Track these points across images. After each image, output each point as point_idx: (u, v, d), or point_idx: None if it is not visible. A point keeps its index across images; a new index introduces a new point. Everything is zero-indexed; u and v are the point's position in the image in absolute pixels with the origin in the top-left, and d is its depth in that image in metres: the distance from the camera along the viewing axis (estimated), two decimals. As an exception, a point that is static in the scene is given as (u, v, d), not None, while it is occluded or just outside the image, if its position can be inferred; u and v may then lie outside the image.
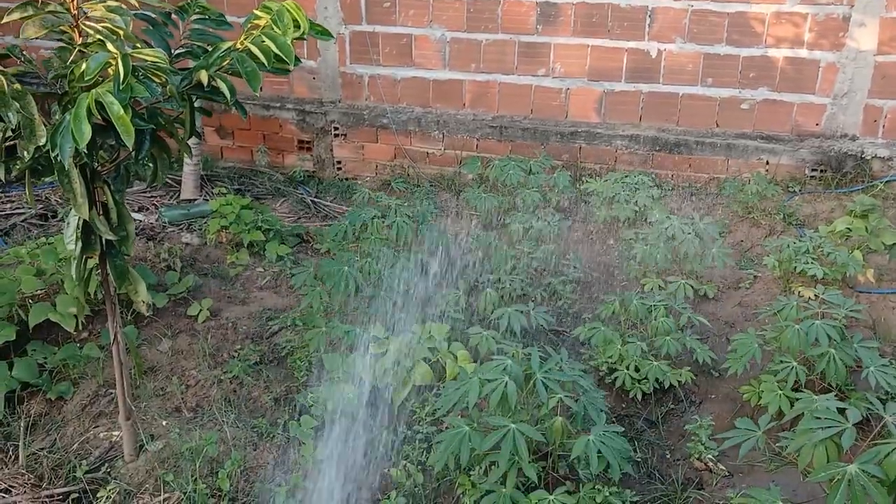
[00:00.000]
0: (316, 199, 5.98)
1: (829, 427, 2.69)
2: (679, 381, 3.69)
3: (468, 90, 6.07)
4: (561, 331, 4.29)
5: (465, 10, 5.83)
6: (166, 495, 3.15)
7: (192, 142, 5.50)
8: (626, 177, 5.48)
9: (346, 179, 6.38)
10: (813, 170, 5.53)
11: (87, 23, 2.57)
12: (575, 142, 5.88)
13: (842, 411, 2.75)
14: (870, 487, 2.44)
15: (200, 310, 4.33)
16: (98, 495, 3.20)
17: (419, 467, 3.28)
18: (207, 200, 5.53)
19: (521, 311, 4.02)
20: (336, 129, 6.30)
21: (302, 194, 6.03)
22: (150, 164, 2.86)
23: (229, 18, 3.19)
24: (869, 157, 5.43)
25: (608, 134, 5.81)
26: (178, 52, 2.88)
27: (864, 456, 2.52)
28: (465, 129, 6.06)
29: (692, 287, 4.36)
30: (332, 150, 6.37)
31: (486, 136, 6.04)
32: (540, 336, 4.12)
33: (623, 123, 5.86)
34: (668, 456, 3.45)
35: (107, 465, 3.40)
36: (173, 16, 2.97)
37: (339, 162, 6.40)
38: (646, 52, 5.65)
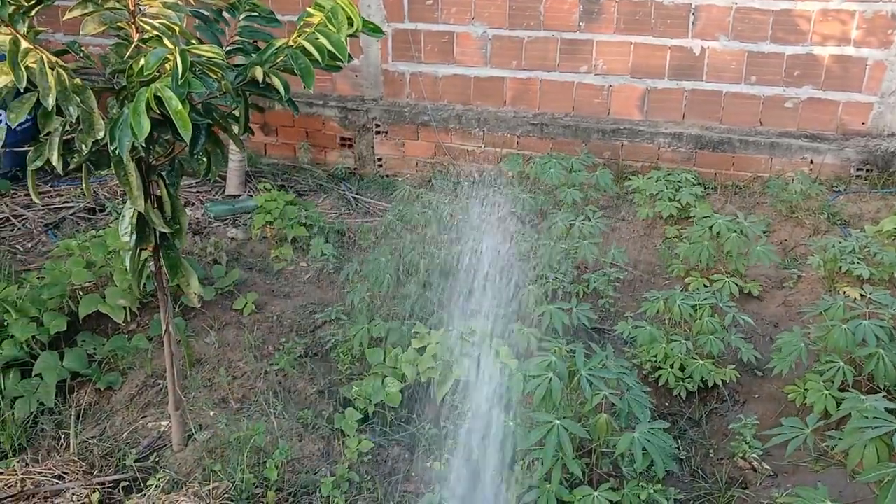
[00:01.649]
0: (357, 196, 6.03)
1: (879, 427, 2.66)
2: (723, 381, 3.68)
3: (509, 87, 6.08)
4: (603, 329, 4.29)
5: (507, 7, 5.84)
6: (214, 484, 3.21)
7: (242, 138, 5.57)
8: (668, 175, 5.45)
9: (387, 176, 6.42)
10: (858, 169, 5.46)
11: (144, 19, 2.63)
12: (617, 139, 5.86)
13: (892, 412, 2.73)
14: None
15: (246, 303, 4.40)
16: (147, 483, 3.26)
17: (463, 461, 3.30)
18: (252, 196, 5.61)
19: (563, 309, 4.02)
20: (377, 126, 6.34)
21: (344, 191, 6.09)
22: (204, 159, 2.92)
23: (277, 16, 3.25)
24: (916, 157, 5.35)
25: (650, 132, 5.78)
26: (228, 48, 2.93)
27: (914, 458, 2.49)
28: (505, 126, 6.07)
29: (737, 286, 4.32)
30: (373, 147, 6.42)
31: (526, 134, 6.04)
32: (581, 334, 4.12)
33: (666, 121, 5.83)
34: (711, 455, 3.44)
35: (155, 454, 3.46)
36: (224, 13, 3.02)
37: (379, 159, 6.45)
38: (689, 50, 5.61)
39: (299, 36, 2.58)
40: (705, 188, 5.46)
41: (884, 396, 3.01)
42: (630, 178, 5.55)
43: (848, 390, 3.37)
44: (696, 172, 5.66)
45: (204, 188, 5.92)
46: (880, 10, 5.19)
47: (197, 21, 2.98)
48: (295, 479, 3.27)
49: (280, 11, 5.57)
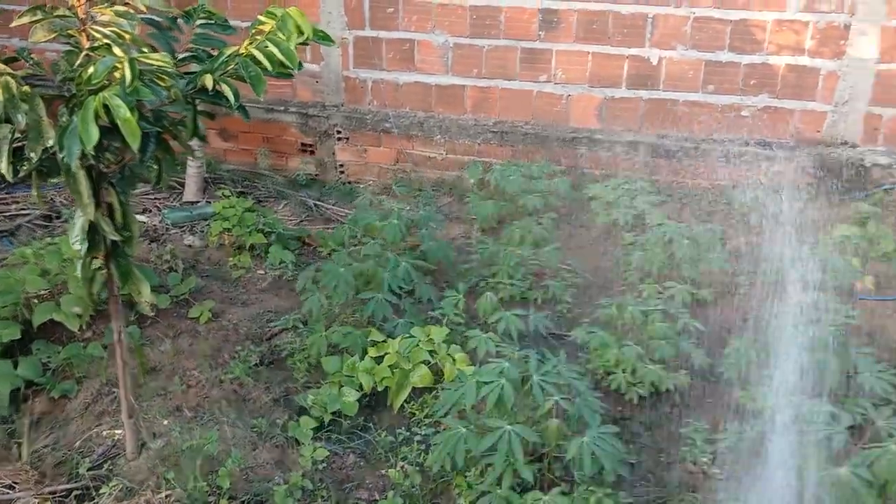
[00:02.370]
0: (318, 203, 6.03)
1: (821, 431, 2.73)
2: (675, 385, 3.73)
3: (470, 95, 6.12)
4: (559, 335, 4.33)
5: (467, 16, 5.88)
6: (167, 492, 3.19)
7: (195, 144, 5.55)
8: (625, 182, 5.51)
9: (349, 183, 6.43)
10: (812, 177, 5.57)
11: (95, 27, 2.62)
12: (576, 147, 5.92)
13: (834, 416, 2.80)
14: (860, 490, 2.49)
15: (202, 311, 4.38)
16: (100, 492, 3.24)
17: (417, 468, 3.32)
18: (210, 203, 5.58)
19: (520, 315, 4.06)
20: (339, 132, 6.35)
21: (304, 197, 6.08)
22: (155, 166, 2.91)
23: (233, 23, 3.25)
24: (869, 165, 5.46)
25: (609, 140, 5.86)
26: (183, 56, 2.93)
27: (854, 460, 2.56)
28: (466, 133, 6.11)
29: (689, 292, 4.40)
30: (334, 153, 6.42)
31: (487, 141, 6.08)
32: (538, 340, 4.16)
33: (623, 130, 5.90)
34: (663, 459, 3.49)
35: (109, 462, 3.44)
36: (179, 20, 3.02)
37: (341, 165, 6.45)
38: (646, 59, 5.69)
39: (250, 44, 2.59)
40: (661, 196, 5.53)
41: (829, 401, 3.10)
42: (588, 186, 5.61)
43: (797, 395, 3.45)
44: (652, 180, 5.73)
45: (162, 195, 5.88)
46: (833, 21, 5.31)
47: (151, 29, 2.97)
48: (248, 487, 3.27)
49: (239, 18, 5.60)
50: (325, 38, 2.66)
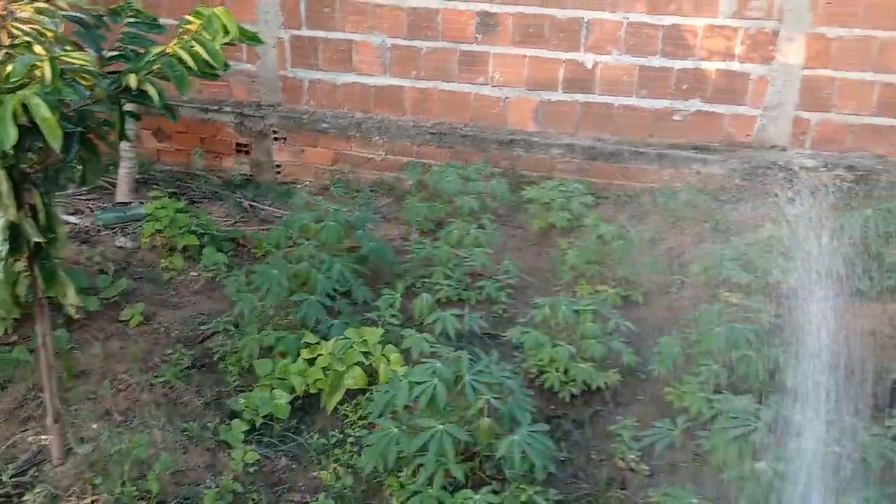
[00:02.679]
0: (254, 203, 5.97)
1: (742, 426, 2.81)
2: (606, 384, 3.80)
3: (409, 97, 6.13)
4: (495, 335, 4.37)
5: (405, 18, 5.90)
6: (94, 497, 3.13)
7: (127, 145, 5.45)
8: (561, 185, 5.59)
9: (285, 183, 6.38)
10: (743, 179, 5.71)
11: (15, 24, 2.56)
12: (513, 150, 5.98)
13: (756, 412, 2.88)
14: (777, 483, 2.57)
15: (133, 314, 4.30)
16: (23, 499, 3.16)
17: (349, 470, 3.32)
18: (143, 204, 5.48)
19: (456, 315, 4.09)
20: (275, 132, 6.30)
21: (239, 198, 6.02)
22: (79, 167, 2.86)
23: (166, 22, 3.21)
24: (796, 168, 5.62)
25: (545, 143, 5.93)
26: (110, 55, 2.88)
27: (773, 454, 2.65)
28: (405, 135, 6.12)
29: (621, 293, 4.48)
30: (270, 153, 6.37)
31: (426, 143, 6.10)
32: (474, 340, 4.19)
33: (560, 133, 5.98)
34: (593, 456, 3.54)
35: (34, 468, 3.35)
36: (106, 18, 2.97)
37: (278, 166, 6.40)
38: (581, 63, 5.78)
39: (176, 44, 2.57)
40: (597, 198, 5.62)
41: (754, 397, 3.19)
42: (525, 188, 5.67)
43: (722, 392, 3.54)
44: (588, 183, 5.81)
45: (93, 196, 5.75)
46: (762, 27, 5.46)
47: (77, 27, 2.92)
48: (178, 491, 3.23)
49: (172, 16, 5.51)
50: (252, 38, 2.65)
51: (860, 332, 4.14)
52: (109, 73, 2.71)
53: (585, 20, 5.67)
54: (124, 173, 5.66)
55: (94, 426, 3.55)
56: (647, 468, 3.40)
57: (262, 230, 5.43)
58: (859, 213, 4.73)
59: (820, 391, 2.96)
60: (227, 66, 2.55)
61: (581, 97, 5.87)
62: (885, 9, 5.22)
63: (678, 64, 5.66)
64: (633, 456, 3.43)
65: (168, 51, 2.55)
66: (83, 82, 2.50)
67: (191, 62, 2.47)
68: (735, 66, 5.60)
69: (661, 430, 3.06)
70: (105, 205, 5.67)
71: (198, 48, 2.47)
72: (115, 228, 5.29)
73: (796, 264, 4.77)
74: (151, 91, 2.52)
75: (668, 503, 2.84)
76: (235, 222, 5.67)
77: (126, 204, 5.63)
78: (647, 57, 5.68)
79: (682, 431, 3.02)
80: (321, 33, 6.07)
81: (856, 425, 2.91)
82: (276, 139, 6.32)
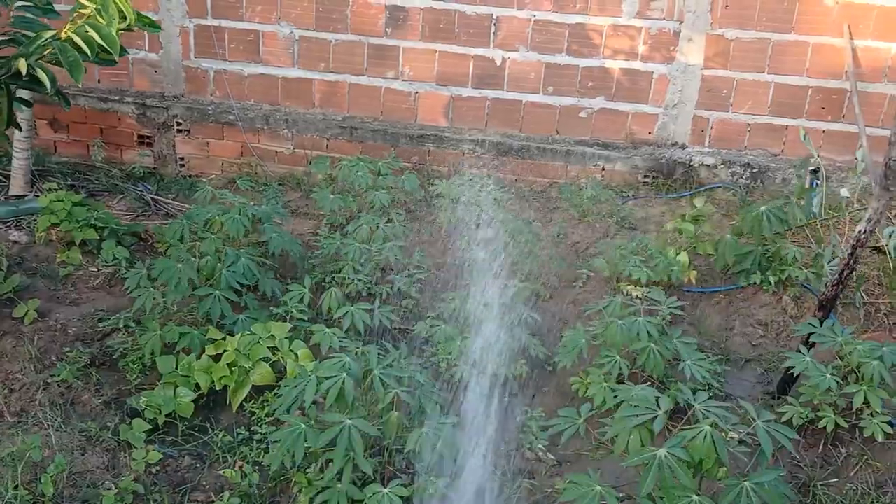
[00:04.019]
0: (156, 197, 5.79)
1: (643, 415, 2.88)
2: (514, 375, 3.84)
3: (318, 89, 6.06)
4: (405, 329, 4.36)
5: (314, 9, 5.81)
6: (-18, 504, 2.99)
7: (21, 135, 5.21)
8: (471, 180, 5.62)
9: (190, 177, 6.21)
10: (645, 176, 5.87)
11: None
12: (424, 144, 5.98)
13: (657, 400, 2.96)
14: (676, 469, 2.64)
15: (27, 311, 4.12)
16: None
17: (255, 467, 3.26)
18: (38, 196, 5.24)
19: (366, 310, 4.07)
20: (179, 124, 6.12)
21: (141, 191, 5.83)
22: (-36, 156, 2.71)
23: (59, 7, 3.07)
24: (696, 165, 5.81)
25: (456, 138, 5.95)
26: None
27: (672, 441, 2.72)
28: (314, 128, 6.04)
29: (528, 286, 4.54)
30: (174, 146, 6.18)
31: (336, 137, 6.04)
32: (385, 334, 4.17)
33: (470, 128, 6.01)
34: (502, 447, 3.58)
35: (-85, 475, 3.18)
36: (-6, 0, 2.83)
37: (182, 158, 6.23)
38: (491, 60, 5.82)
39: (69, 28, 2.46)
40: (505, 192, 5.67)
41: (654, 387, 3.28)
42: (435, 183, 5.68)
43: (625, 382, 3.64)
44: (497, 178, 5.87)
45: (-15, 188, 5.48)
46: (664, 27, 5.61)
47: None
48: (76, 493, 3.12)
49: (66, 1, 5.28)
50: (150, 24, 2.56)
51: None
52: (0, 58, 2.58)
53: (494, 17, 5.71)
54: (18, 165, 5.39)
55: (-16, 428, 3.38)
56: (553, 458, 3.46)
57: (165, 224, 5.27)
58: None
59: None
60: (124, 51, 2.46)
61: (490, 93, 5.92)
62: (779, 11, 5.44)
63: (584, 62, 5.76)
64: (540, 446, 3.49)
65: (61, 35, 2.45)
66: (-33, 66, 2.37)
67: (85, 47, 2.37)
68: (638, 65, 5.74)
69: (566, 419, 3.12)
70: (-3, 197, 5.41)
71: (92, 33, 2.37)
72: (8, 222, 5.03)
73: (696, 259, 4.93)
74: (43, 77, 2.40)
75: (573, 490, 2.89)
76: (137, 216, 5.48)
77: (20, 197, 5.37)
78: (554, 55, 5.77)
79: (586, 420, 3.08)
80: (227, 23, 5.92)
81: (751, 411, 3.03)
82: (179, 131, 6.14)
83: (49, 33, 2.52)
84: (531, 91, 5.88)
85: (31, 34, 2.72)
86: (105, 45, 2.36)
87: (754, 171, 5.73)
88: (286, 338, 3.80)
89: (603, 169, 5.87)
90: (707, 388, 3.83)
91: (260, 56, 5.99)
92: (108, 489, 3.10)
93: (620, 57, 5.73)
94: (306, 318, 4.14)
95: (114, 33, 2.37)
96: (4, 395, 3.61)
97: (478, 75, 5.87)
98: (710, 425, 2.72)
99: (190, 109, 6.08)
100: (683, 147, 5.88)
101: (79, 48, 2.39)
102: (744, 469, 2.88)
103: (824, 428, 3.53)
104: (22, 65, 2.41)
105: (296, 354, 3.74)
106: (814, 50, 5.49)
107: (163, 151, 6.20)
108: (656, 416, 2.85)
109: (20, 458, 3.15)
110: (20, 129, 2.61)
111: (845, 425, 3.54)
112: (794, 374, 3.70)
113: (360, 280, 4.59)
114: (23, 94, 2.70)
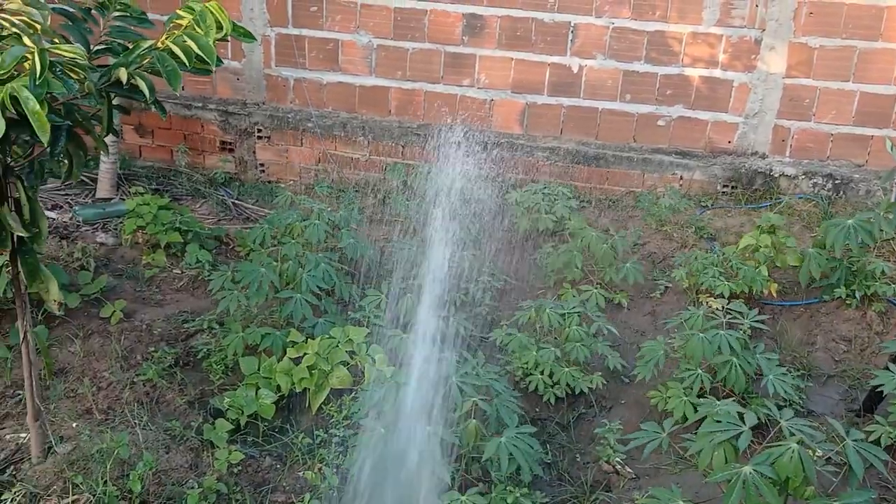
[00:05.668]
0: (237, 202, 5.93)
1: (728, 430, 2.82)
2: (590, 387, 3.81)
3: (394, 97, 6.12)
4: (480, 336, 4.37)
5: (392, 18, 5.88)
6: (75, 497, 3.09)
7: (109, 140, 5.38)
8: (545, 188, 5.60)
9: (269, 182, 6.34)
10: (724, 185, 5.76)
11: (3, 15, 2.52)
12: (499, 152, 5.98)
13: (741, 416, 2.89)
14: (762, 487, 2.58)
15: (113, 311, 4.25)
16: (2, 497, 3.11)
17: (334, 470, 3.30)
18: (124, 200, 5.42)
19: (441, 317, 4.08)
20: (259, 131, 6.26)
21: (223, 196, 5.97)
22: (66, 161, 2.82)
23: (152, 16, 3.17)
24: (777, 175, 5.68)
25: (530, 145, 5.94)
26: (97, 48, 2.84)
27: (758, 458, 2.65)
28: (390, 135, 6.10)
29: (605, 296, 4.49)
30: (254, 152, 6.32)
31: (411, 144, 6.09)
32: (459, 341, 4.18)
33: (544, 136, 5.99)
34: (578, 459, 3.56)
35: (13, 467, 3.30)
36: (93, 12, 2.93)
37: (261, 164, 6.36)
38: (568, 67, 5.80)
39: (167, 38, 2.53)
40: (580, 201, 5.64)
41: (736, 401, 3.21)
42: (510, 191, 5.67)
43: (706, 396, 3.56)
44: (572, 186, 5.83)
45: (73, 191, 5.67)
46: (745, 35, 5.50)
47: (64, 20, 2.88)
48: (161, 491, 3.19)
49: (158, 12, 5.46)
50: (245, 34, 2.63)
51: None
52: (98, 66, 2.67)
53: (572, 24, 5.68)
54: (106, 168, 5.59)
55: (75, 424, 3.50)
56: (631, 471, 3.41)
57: (246, 228, 5.40)
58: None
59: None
60: (220, 61, 2.53)
61: (566, 101, 5.89)
62: (865, 19, 5.28)
63: (662, 70, 5.69)
64: (618, 459, 3.44)
65: (159, 45, 2.52)
66: (72, 76, 2.46)
67: (183, 57, 2.44)
68: (717, 73, 5.65)
69: (649, 433, 3.07)
70: (85, 200, 5.60)
71: (190, 43, 2.44)
72: (95, 224, 5.22)
73: (775, 272, 4.81)
74: (142, 85, 2.48)
75: (654, 506, 2.85)
76: (219, 220, 5.62)
77: (107, 200, 5.57)
78: (632, 62, 5.71)
79: (668, 434, 3.03)
80: (307, 32, 6.03)
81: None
82: (260, 137, 6.28)
83: (147, 43, 2.60)
84: (608, 98, 5.83)
85: (127, 44, 2.81)
86: (202, 54, 2.43)
87: (837, 182, 5.57)
88: (363, 342, 3.84)
89: (681, 178, 5.78)
90: (790, 404, 3.73)
91: (339, 64, 6.08)
92: (192, 488, 3.17)
93: (700, 65, 5.64)
94: (382, 324, 4.17)
95: (211, 43, 2.43)
96: (93, 393, 3.72)
97: (553, 83, 5.85)
98: (798, 442, 2.64)
99: (270, 117, 6.21)
100: (763, 157, 5.75)
101: (176, 58, 2.47)
102: (829, 489, 2.79)
103: (915, 449, 3.40)
104: (122, 73, 2.49)
105: (373, 359, 3.77)
106: (902, 58, 5.32)
107: (244, 157, 6.35)
108: (741, 433, 2.78)
109: (109, 455, 3.25)
110: (117, 136, 2.71)
111: (938, 447, 3.40)
112: (882, 393, 3.57)
113: (435, 287, 4.60)
114: (118, 101, 2.78)
